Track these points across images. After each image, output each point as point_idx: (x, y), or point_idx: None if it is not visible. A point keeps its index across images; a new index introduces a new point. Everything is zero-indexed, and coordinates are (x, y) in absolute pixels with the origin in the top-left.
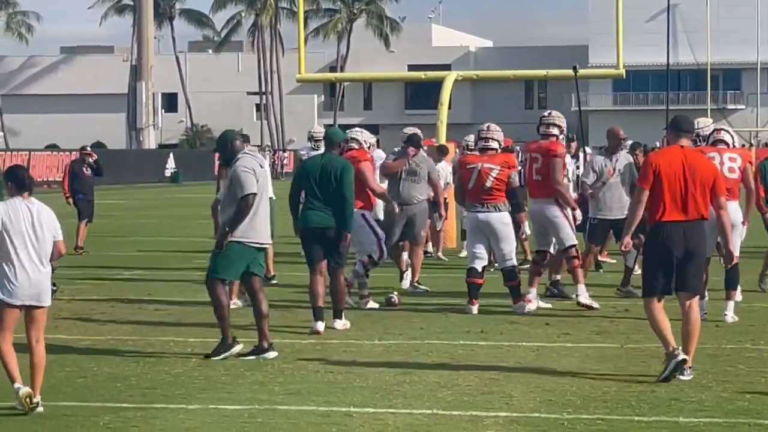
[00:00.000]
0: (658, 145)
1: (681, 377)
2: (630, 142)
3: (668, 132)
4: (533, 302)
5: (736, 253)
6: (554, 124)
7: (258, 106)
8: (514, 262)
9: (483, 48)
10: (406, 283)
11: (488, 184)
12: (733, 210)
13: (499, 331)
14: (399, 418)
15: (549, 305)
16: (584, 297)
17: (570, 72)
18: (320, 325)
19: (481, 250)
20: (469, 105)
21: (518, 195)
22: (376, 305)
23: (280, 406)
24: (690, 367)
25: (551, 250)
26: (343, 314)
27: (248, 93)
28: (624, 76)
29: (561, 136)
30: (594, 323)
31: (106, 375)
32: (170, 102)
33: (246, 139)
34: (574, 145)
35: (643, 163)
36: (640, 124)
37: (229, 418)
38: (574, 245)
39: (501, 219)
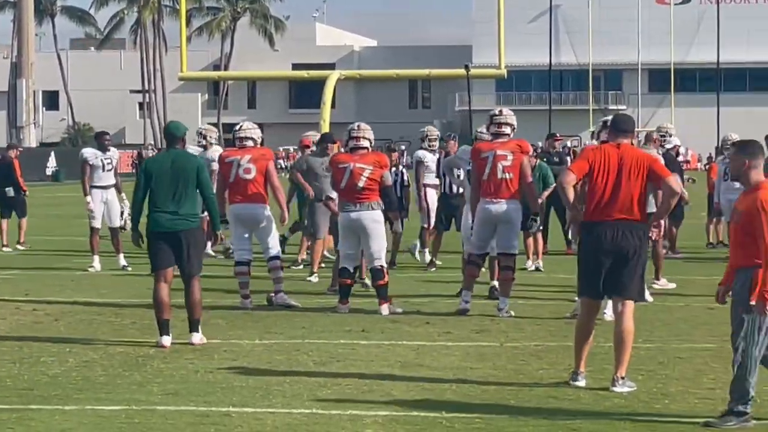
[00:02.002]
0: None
1: (614, 389)
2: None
3: (608, 131)
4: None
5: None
6: (507, 123)
7: (141, 105)
8: (383, 262)
9: (367, 47)
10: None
11: (360, 184)
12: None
13: (380, 330)
14: (278, 418)
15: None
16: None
17: (453, 72)
18: (166, 340)
19: (353, 251)
20: (353, 104)
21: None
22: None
23: (159, 406)
24: (623, 378)
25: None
26: (200, 326)
27: (131, 91)
28: (506, 76)
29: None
30: (474, 322)
31: None
32: (51, 100)
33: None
34: (453, 143)
35: (580, 152)
36: (523, 123)
37: (106, 419)
38: (516, 255)
39: (373, 217)
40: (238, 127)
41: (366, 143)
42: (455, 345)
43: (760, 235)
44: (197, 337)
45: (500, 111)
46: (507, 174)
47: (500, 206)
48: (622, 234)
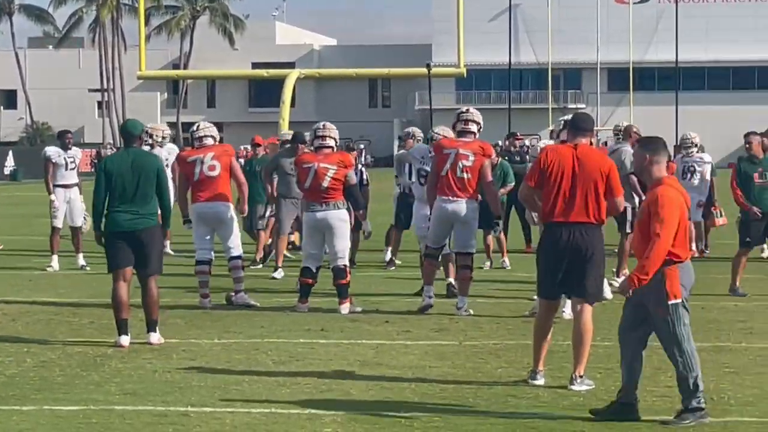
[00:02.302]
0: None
1: (572, 387)
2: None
3: (567, 131)
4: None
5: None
6: (474, 121)
7: (100, 104)
8: (346, 261)
9: (327, 46)
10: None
11: (325, 184)
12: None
13: (339, 329)
14: (237, 417)
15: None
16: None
17: (412, 71)
18: (124, 340)
19: (317, 251)
20: (313, 103)
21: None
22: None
23: (117, 406)
24: (581, 376)
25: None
26: (158, 326)
27: (90, 90)
28: (465, 75)
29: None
30: (434, 321)
31: None
32: (9, 99)
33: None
34: (411, 141)
35: (534, 160)
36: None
37: (64, 419)
38: (473, 254)
39: (339, 216)
40: (195, 128)
41: (331, 142)
42: (414, 344)
43: (652, 226)
44: (155, 337)
45: (467, 109)
46: (466, 174)
47: (457, 205)
48: (579, 235)
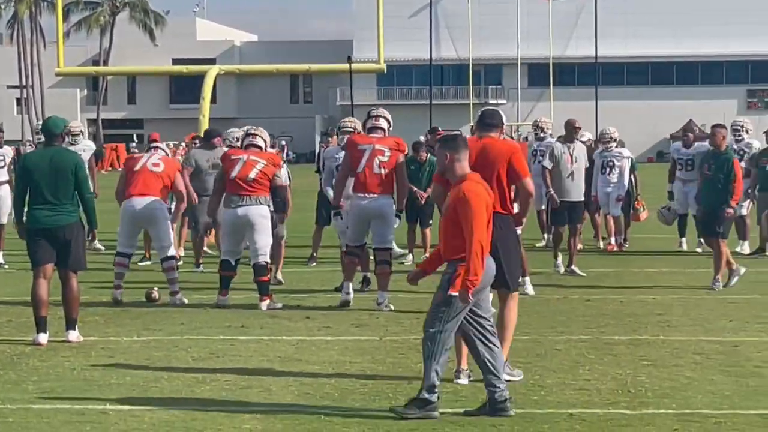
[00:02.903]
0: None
1: (458, 381)
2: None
3: (476, 126)
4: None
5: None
6: (383, 117)
7: (19, 100)
8: (267, 258)
9: (248, 42)
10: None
11: (252, 174)
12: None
13: (260, 325)
14: (156, 415)
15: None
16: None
17: (333, 66)
18: (42, 337)
19: (236, 247)
20: (235, 99)
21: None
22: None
23: (34, 405)
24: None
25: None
26: (77, 325)
27: (8, 87)
28: (385, 71)
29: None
30: (354, 316)
31: None
32: None
33: None
34: (335, 138)
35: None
36: (405, 118)
37: None
38: (391, 249)
39: (260, 212)
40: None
41: (260, 142)
42: (335, 339)
43: (465, 225)
44: (74, 335)
45: (377, 107)
46: (383, 169)
47: (373, 201)
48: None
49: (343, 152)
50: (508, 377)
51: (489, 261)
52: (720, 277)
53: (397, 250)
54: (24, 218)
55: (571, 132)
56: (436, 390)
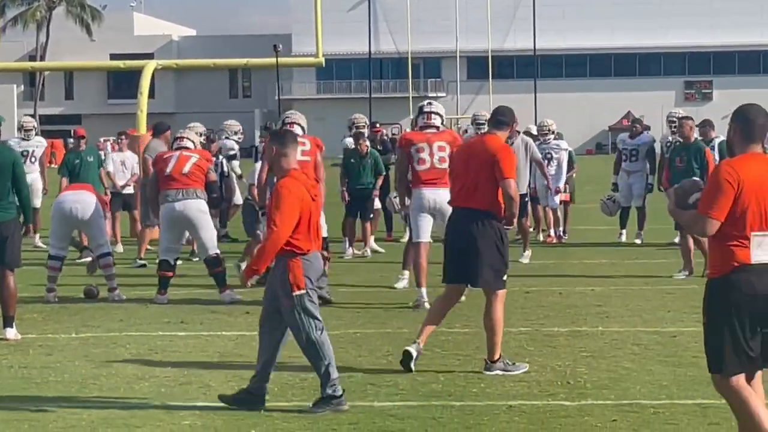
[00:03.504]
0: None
1: (486, 373)
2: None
3: (488, 122)
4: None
5: None
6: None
7: None
8: (217, 249)
9: (186, 37)
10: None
11: (186, 169)
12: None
13: (199, 321)
14: (94, 412)
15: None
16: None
17: (269, 60)
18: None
19: (175, 244)
20: (173, 94)
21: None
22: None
23: None
24: (494, 362)
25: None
26: (14, 322)
27: None
28: (323, 65)
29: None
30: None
31: None
32: None
33: None
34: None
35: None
36: (344, 111)
37: None
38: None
39: (198, 207)
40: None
41: (189, 144)
42: None
43: (272, 217)
44: (12, 332)
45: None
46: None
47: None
48: (461, 223)
49: None
50: (510, 372)
51: (314, 257)
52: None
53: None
54: None
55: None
56: (336, 383)
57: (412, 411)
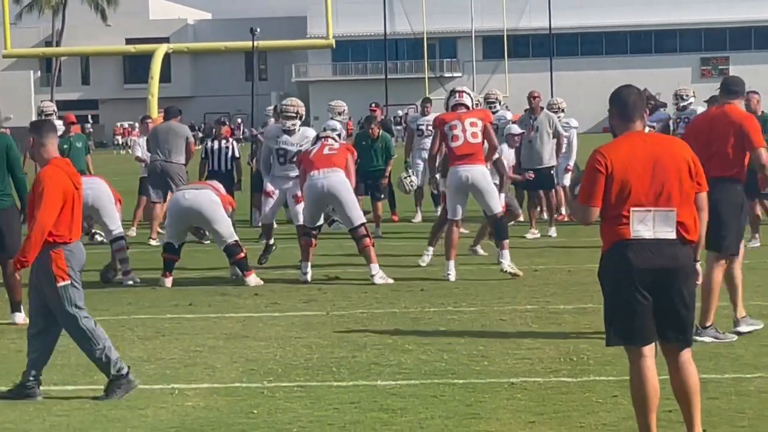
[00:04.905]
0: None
1: (697, 338)
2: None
3: (720, 93)
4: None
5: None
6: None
7: None
8: (235, 236)
9: (202, 20)
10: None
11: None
12: (482, 172)
13: (207, 303)
14: (99, 394)
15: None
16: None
17: (283, 43)
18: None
19: (181, 236)
20: (189, 78)
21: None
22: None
23: None
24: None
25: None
26: (21, 306)
27: None
28: (334, 46)
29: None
30: (303, 292)
31: None
32: None
33: None
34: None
35: None
36: (360, 93)
37: None
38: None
39: (210, 197)
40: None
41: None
42: (282, 315)
43: (36, 207)
44: (20, 317)
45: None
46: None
47: (327, 180)
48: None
49: (285, 135)
50: (721, 340)
51: (77, 247)
52: (758, 236)
53: None
54: None
55: (530, 103)
56: (119, 363)
57: (414, 389)
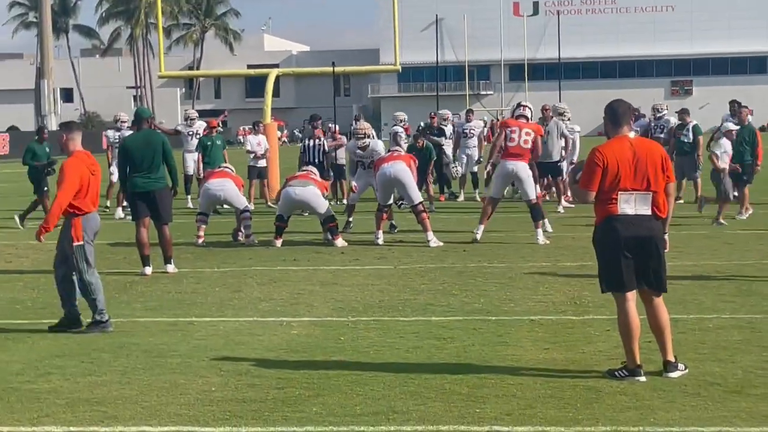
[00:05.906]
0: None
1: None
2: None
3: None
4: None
5: (532, 197)
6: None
7: (135, 97)
8: (330, 213)
9: (303, 51)
10: None
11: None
12: (524, 167)
13: (307, 259)
14: (228, 325)
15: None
16: (434, 241)
17: (362, 69)
18: (147, 270)
19: (287, 215)
20: (293, 94)
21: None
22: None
23: (140, 318)
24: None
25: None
26: (172, 260)
27: (127, 87)
28: (401, 71)
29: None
30: (377, 251)
31: None
32: (67, 95)
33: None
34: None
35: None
36: (417, 106)
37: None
38: (420, 203)
39: (314, 192)
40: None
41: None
42: (362, 269)
43: (57, 187)
44: (171, 268)
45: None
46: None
47: (393, 168)
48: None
49: (359, 150)
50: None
51: (92, 216)
52: (744, 211)
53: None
54: (124, 183)
55: (543, 114)
56: (103, 312)
57: (459, 323)
